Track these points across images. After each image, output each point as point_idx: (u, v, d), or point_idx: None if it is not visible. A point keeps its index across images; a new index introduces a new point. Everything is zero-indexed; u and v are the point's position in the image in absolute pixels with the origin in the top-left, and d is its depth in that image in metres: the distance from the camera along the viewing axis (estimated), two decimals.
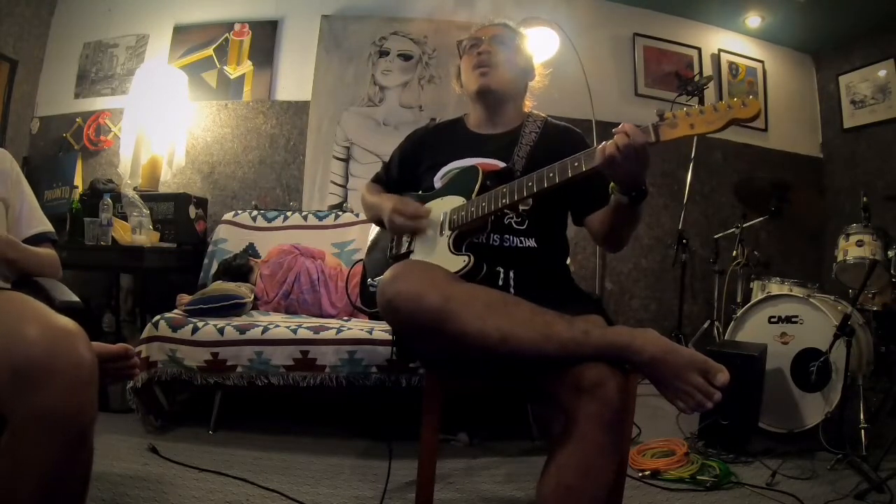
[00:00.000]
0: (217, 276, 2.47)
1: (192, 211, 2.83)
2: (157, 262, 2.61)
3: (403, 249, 1.37)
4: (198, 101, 3.29)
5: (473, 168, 1.32)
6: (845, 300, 2.25)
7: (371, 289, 1.40)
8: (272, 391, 1.95)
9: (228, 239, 2.75)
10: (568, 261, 1.49)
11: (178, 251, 2.73)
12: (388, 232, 1.43)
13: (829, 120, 3.79)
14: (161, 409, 2.07)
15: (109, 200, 2.51)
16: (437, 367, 1.27)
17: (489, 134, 1.44)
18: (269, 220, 2.82)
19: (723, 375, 0.90)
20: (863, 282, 2.08)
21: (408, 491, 1.59)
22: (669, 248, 3.33)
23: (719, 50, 3.71)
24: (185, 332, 1.97)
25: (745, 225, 2.89)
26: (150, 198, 2.75)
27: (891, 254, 2.23)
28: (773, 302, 2.22)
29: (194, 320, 2.02)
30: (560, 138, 1.40)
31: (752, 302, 2.32)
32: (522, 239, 1.30)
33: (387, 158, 1.62)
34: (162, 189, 3.03)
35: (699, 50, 3.66)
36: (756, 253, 2.92)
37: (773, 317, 2.19)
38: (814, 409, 2.00)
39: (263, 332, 1.96)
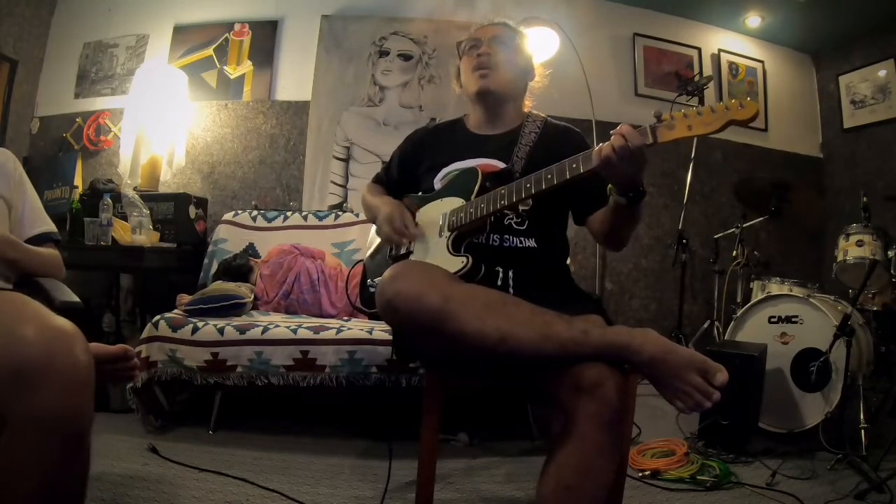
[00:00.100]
0: (217, 276, 2.47)
1: (192, 211, 2.83)
2: (157, 262, 2.61)
3: (403, 250, 1.38)
4: (198, 101, 3.29)
5: (473, 169, 1.32)
6: (845, 300, 2.25)
7: (371, 289, 1.40)
8: (272, 391, 1.95)
9: (228, 239, 2.75)
10: (568, 261, 1.49)
11: (178, 251, 2.73)
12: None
13: (829, 120, 3.78)
14: (161, 409, 2.07)
15: (109, 200, 2.51)
16: (437, 367, 1.27)
17: (489, 134, 1.44)
18: (269, 220, 2.82)
19: (721, 375, 0.90)
20: (863, 282, 2.08)
21: (408, 491, 1.59)
22: (669, 248, 3.33)
23: (719, 50, 3.71)
24: (185, 332, 1.97)
25: (745, 225, 2.89)
26: (150, 198, 2.75)
27: (891, 254, 2.23)
28: (773, 302, 2.22)
29: (194, 320, 2.02)
30: (560, 138, 1.40)
31: (752, 302, 2.32)
32: (522, 239, 1.30)
33: (387, 158, 1.62)
34: (162, 189, 3.03)
35: (699, 50, 3.66)
36: (756, 253, 2.92)
37: (773, 317, 2.19)
38: (814, 409, 2.00)
39: (263, 332, 1.96)
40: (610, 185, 1.14)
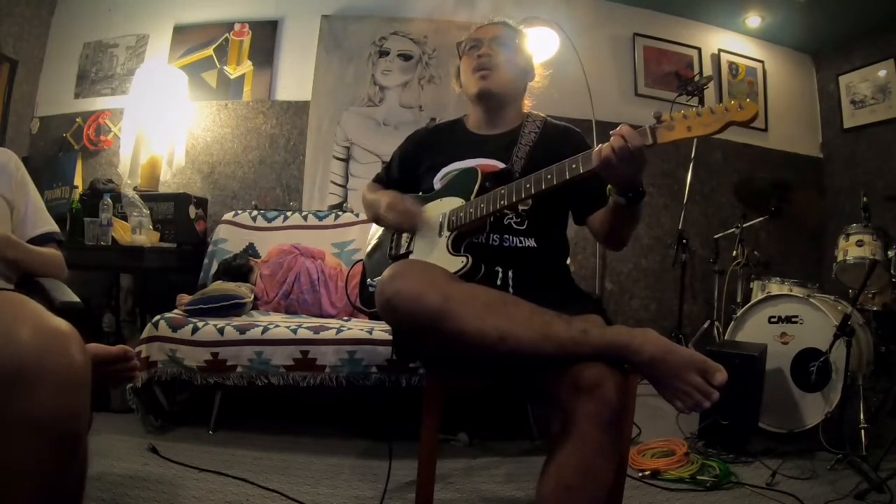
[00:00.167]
0: (217, 276, 2.47)
1: (192, 211, 2.83)
2: (157, 262, 2.61)
3: (403, 250, 1.38)
4: (198, 101, 3.29)
5: (472, 169, 1.32)
6: (845, 300, 2.26)
7: (371, 289, 1.40)
8: (272, 391, 1.95)
9: (228, 239, 2.75)
10: (568, 261, 1.49)
11: (178, 251, 2.73)
12: (385, 229, 1.44)
13: (829, 120, 3.78)
14: (161, 409, 2.08)
15: (109, 200, 2.51)
16: (437, 366, 1.27)
17: (489, 134, 1.44)
18: (269, 220, 2.82)
19: (721, 375, 0.90)
20: (863, 282, 2.08)
21: (408, 491, 1.59)
22: (669, 248, 3.33)
23: (719, 50, 3.71)
24: (185, 332, 1.97)
25: (745, 225, 2.89)
26: (150, 198, 2.75)
27: (891, 254, 2.23)
28: (773, 302, 2.22)
29: (194, 320, 2.02)
30: (559, 138, 1.40)
31: (752, 302, 2.32)
32: (522, 239, 1.30)
33: (387, 158, 1.62)
34: (162, 189, 3.03)
35: (699, 50, 3.66)
36: (756, 253, 2.92)
37: (773, 317, 2.19)
38: (814, 409, 2.00)
39: (263, 332, 1.96)
40: (609, 186, 1.14)
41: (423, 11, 3.32)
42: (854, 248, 2.30)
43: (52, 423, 0.77)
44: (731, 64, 3.72)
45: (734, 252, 2.92)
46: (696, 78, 3.25)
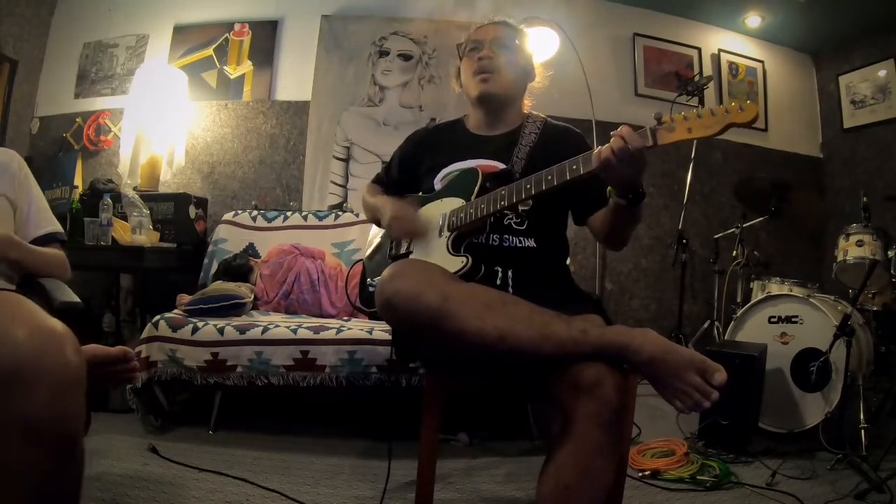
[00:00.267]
0: (217, 276, 2.47)
1: (192, 211, 2.83)
2: (157, 262, 2.61)
3: (402, 250, 1.38)
4: (198, 101, 3.29)
5: (473, 170, 1.32)
6: (845, 300, 2.26)
7: (370, 289, 1.40)
8: (272, 391, 1.95)
9: (228, 239, 2.75)
10: (568, 261, 1.49)
11: (178, 251, 2.73)
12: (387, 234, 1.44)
13: (829, 120, 3.78)
14: (161, 409, 2.08)
15: (109, 200, 2.51)
16: (437, 366, 1.27)
17: (489, 135, 1.44)
18: (269, 220, 2.82)
19: (720, 375, 0.90)
20: (863, 282, 2.08)
21: (408, 491, 1.59)
22: (669, 248, 3.33)
23: (719, 50, 3.71)
24: (185, 332, 1.97)
25: (745, 225, 2.89)
26: (150, 198, 2.75)
27: (891, 254, 2.23)
28: (773, 302, 2.22)
29: (194, 320, 2.03)
30: (560, 139, 1.40)
31: (752, 302, 2.32)
32: (522, 239, 1.30)
33: (387, 158, 1.62)
34: (162, 189, 3.03)
35: (699, 50, 3.66)
36: (756, 253, 2.92)
37: (773, 317, 2.19)
38: (814, 409, 2.00)
39: (263, 332, 1.96)
40: (609, 187, 1.14)
41: (423, 11, 3.32)
42: (854, 248, 2.30)
43: (47, 424, 0.77)
44: (731, 64, 3.72)
45: (734, 252, 2.92)
46: (696, 78, 3.25)
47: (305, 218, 2.83)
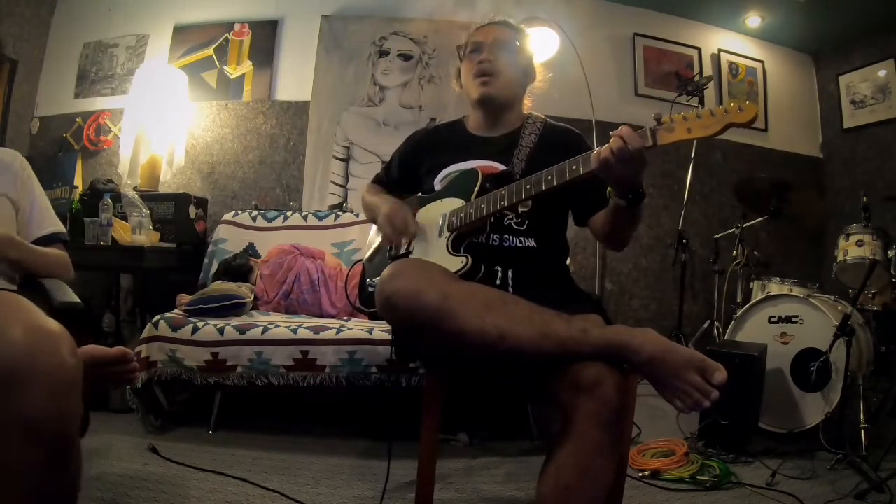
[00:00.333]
0: (217, 276, 2.47)
1: (192, 211, 2.83)
2: (157, 262, 2.61)
3: (403, 250, 1.38)
4: (198, 101, 3.29)
5: (473, 170, 1.33)
6: (845, 300, 2.25)
7: (370, 289, 1.40)
8: (272, 391, 1.95)
9: (228, 239, 2.75)
10: (568, 261, 1.49)
11: (178, 251, 2.73)
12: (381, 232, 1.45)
13: (829, 120, 3.78)
14: (161, 409, 2.08)
15: (109, 200, 2.50)
16: (437, 366, 1.27)
17: (489, 136, 1.44)
18: (269, 220, 2.82)
19: (720, 374, 0.90)
20: (863, 282, 2.08)
21: (408, 491, 1.59)
22: (669, 248, 3.33)
23: (719, 50, 3.71)
24: (185, 332, 1.97)
25: (745, 225, 2.89)
26: (150, 198, 2.75)
27: (891, 254, 2.23)
28: (773, 302, 2.22)
29: (194, 320, 2.02)
30: (559, 140, 1.40)
31: (752, 302, 2.32)
32: (522, 239, 1.30)
33: (387, 158, 1.62)
34: (162, 189, 3.03)
35: (699, 50, 3.66)
36: (756, 253, 2.92)
37: (773, 317, 2.19)
38: (814, 409, 2.00)
39: (263, 332, 1.96)
40: (609, 188, 1.14)
41: (423, 11, 3.32)
42: (854, 248, 2.30)
43: (43, 424, 0.77)
44: (731, 64, 3.72)
45: (734, 252, 2.92)
46: (696, 78, 3.25)
47: (305, 218, 2.83)
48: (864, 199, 2.36)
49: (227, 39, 3.35)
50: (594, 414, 0.92)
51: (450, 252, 1.23)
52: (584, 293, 1.37)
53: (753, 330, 2.24)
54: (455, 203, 1.30)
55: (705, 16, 3.65)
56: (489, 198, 1.22)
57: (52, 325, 0.85)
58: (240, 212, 2.88)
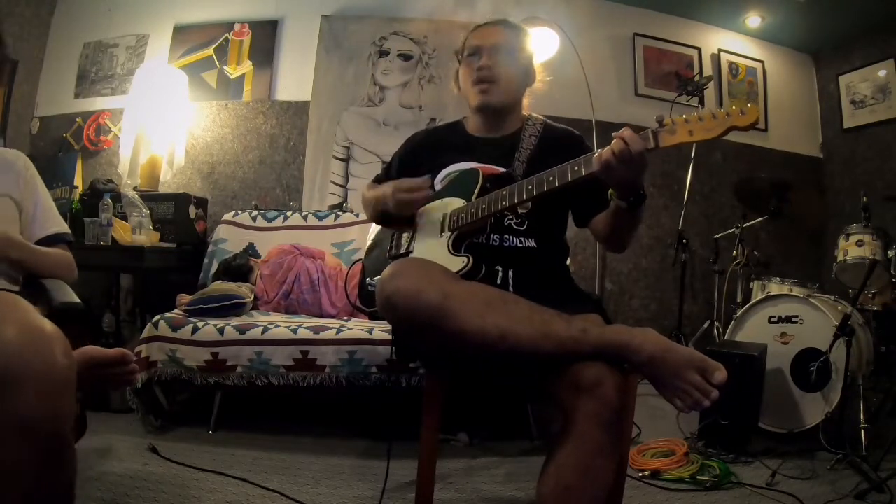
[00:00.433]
0: (217, 276, 2.47)
1: (192, 211, 2.83)
2: (157, 262, 2.61)
3: (403, 249, 1.38)
4: (198, 101, 3.29)
5: (474, 170, 1.32)
6: (845, 300, 2.25)
7: (370, 288, 1.40)
8: (272, 391, 1.95)
9: (228, 239, 2.75)
10: (568, 261, 1.49)
11: (178, 251, 2.73)
12: (384, 228, 1.44)
13: (829, 120, 3.78)
14: (161, 409, 2.08)
15: (109, 200, 2.51)
16: (437, 366, 1.27)
17: (489, 138, 1.44)
18: (269, 220, 2.82)
19: (720, 374, 0.91)
20: (863, 282, 2.08)
21: (408, 491, 1.59)
22: (669, 248, 3.33)
23: (719, 50, 3.71)
24: (185, 332, 1.97)
25: (745, 225, 2.89)
26: (150, 198, 2.75)
27: (891, 254, 2.23)
28: (773, 302, 2.22)
29: (194, 320, 2.02)
30: (560, 142, 1.40)
31: (752, 302, 2.32)
32: (522, 239, 1.30)
33: (387, 158, 1.62)
34: (162, 189, 3.03)
35: (699, 50, 3.66)
36: (756, 253, 2.92)
37: (773, 317, 2.19)
38: (814, 409, 2.00)
39: (263, 332, 1.96)
40: (611, 190, 1.14)
41: (423, 11, 3.32)
42: (854, 248, 2.30)
43: (36, 424, 0.76)
44: (731, 64, 3.72)
45: (734, 252, 2.91)
46: (696, 78, 3.25)
47: (305, 218, 2.83)
48: (864, 199, 2.36)
49: (227, 39, 3.34)
50: (594, 414, 0.92)
51: (451, 252, 1.23)
52: (584, 293, 1.37)
53: (753, 330, 2.24)
54: (456, 203, 1.30)
55: (705, 16, 3.65)
56: (490, 198, 1.22)
57: (46, 325, 0.85)
58: (240, 212, 2.88)
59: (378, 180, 1.61)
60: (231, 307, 2.19)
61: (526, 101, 1.50)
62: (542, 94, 1.53)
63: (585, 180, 1.09)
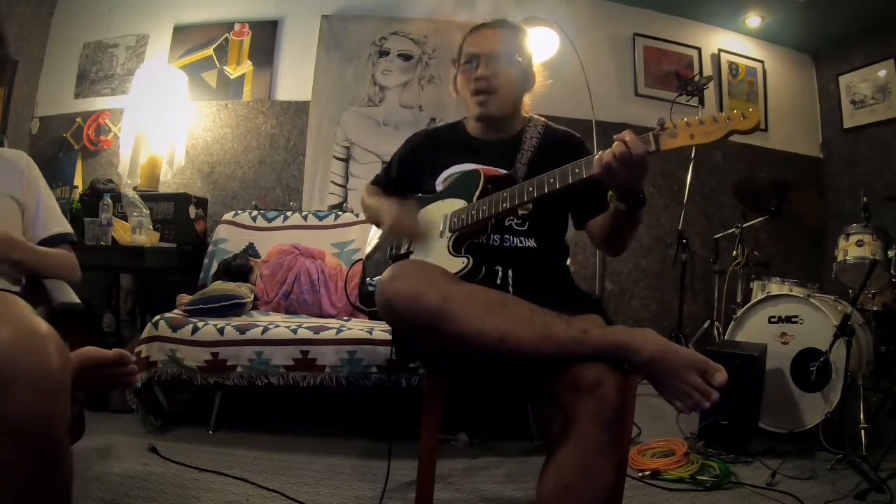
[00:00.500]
0: (217, 276, 2.47)
1: (192, 211, 2.83)
2: (157, 262, 2.61)
3: (403, 250, 1.38)
4: (198, 101, 3.29)
5: (475, 171, 1.32)
6: (845, 300, 2.25)
7: (370, 288, 1.40)
8: (272, 391, 1.95)
9: (228, 239, 2.75)
10: (568, 261, 1.49)
11: (178, 251, 2.73)
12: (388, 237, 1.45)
13: (829, 120, 3.78)
14: (161, 409, 2.08)
15: (109, 200, 2.51)
16: (437, 366, 1.27)
17: (490, 139, 1.43)
18: (269, 220, 2.82)
19: (721, 375, 0.91)
20: (863, 282, 2.08)
21: (408, 491, 1.59)
22: (669, 248, 3.33)
23: (719, 50, 3.71)
24: (185, 332, 1.97)
25: (745, 225, 2.89)
26: (150, 198, 2.75)
27: (891, 254, 2.23)
28: (773, 302, 2.22)
29: (194, 320, 2.02)
30: (560, 144, 1.39)
31: (752, 302, 2.32)
32: (522, 239, 1.30)
33: (387, 158, 1.62)
34: (162, 189, 3.03)
35: (699, 50, 3.66)
36: (756, 253, 2.92)
37: (773, 317, 2.19)
38: (814, 409, 2.00)
39: (263, 332, 1.96)
40: (610, 192, 1.14)
41: (423, 11, 3.32)
42: (854, 248, 2.30)
43: (29, 425, 0.76)
44: (731, 64, 3.72)
45: (734, 252, 2.92)
46: (696, 78, 3.25)
47: (305, 218, 2.83)
48: (864, 199, 2.36)
49: (227, 39, 3.35)
50: (594, 414, 0.92)
51: (451, 253, 1.23)
52: (584, 293, 1.37)
53: (753, 330, 2.24)
54: (457, 204, 1.30)
55: (705, 16, 3.65)
56: (491, 199, 1.22)
57: (41, 325, 0.85)
58: (240, 212, 2.88)
59: (377, 181, 1.61)
60: (231, 307, 2.19)
61: (527, 101, 1.49)
62: (542, 94, 1.52)
63: (586, 182, 1.09)
